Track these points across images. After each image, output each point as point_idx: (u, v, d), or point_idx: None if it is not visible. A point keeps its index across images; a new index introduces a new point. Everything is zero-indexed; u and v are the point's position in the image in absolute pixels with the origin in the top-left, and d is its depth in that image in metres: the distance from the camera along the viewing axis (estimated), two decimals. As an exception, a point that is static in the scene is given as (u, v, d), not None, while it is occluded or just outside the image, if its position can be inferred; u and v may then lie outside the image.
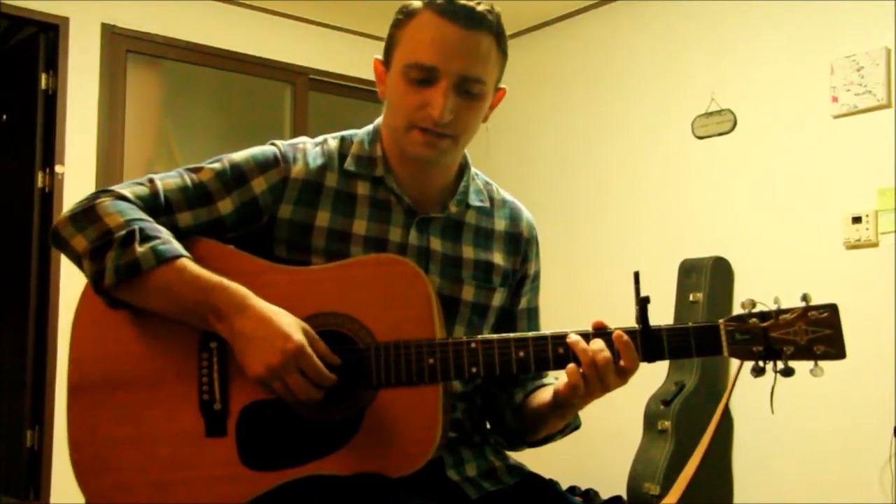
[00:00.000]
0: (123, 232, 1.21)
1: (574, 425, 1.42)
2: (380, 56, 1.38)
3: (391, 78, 1.34)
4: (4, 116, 4.42)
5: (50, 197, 3.96)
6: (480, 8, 1.29)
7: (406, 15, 1.32)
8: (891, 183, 3.28)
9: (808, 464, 3.46)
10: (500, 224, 1.47)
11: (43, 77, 4.02)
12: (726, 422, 3.71)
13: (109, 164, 4.10)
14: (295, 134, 4.68)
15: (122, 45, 4.19)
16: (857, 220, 3.37)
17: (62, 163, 3.97)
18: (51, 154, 3.98)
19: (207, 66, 4.52)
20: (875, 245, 3.33)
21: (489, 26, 1.30)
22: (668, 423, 3.64)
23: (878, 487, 3.23)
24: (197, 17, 4.41)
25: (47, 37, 4.04)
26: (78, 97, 4.02)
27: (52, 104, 4.00)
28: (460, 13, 1.27)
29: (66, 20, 4.01)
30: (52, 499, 3.80)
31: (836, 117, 3.48)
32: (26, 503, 3.88)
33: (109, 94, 4.12)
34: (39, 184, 4.00)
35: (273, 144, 1.38)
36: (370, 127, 1.43)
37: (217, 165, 1.34)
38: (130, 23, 4.20)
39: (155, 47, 4.31)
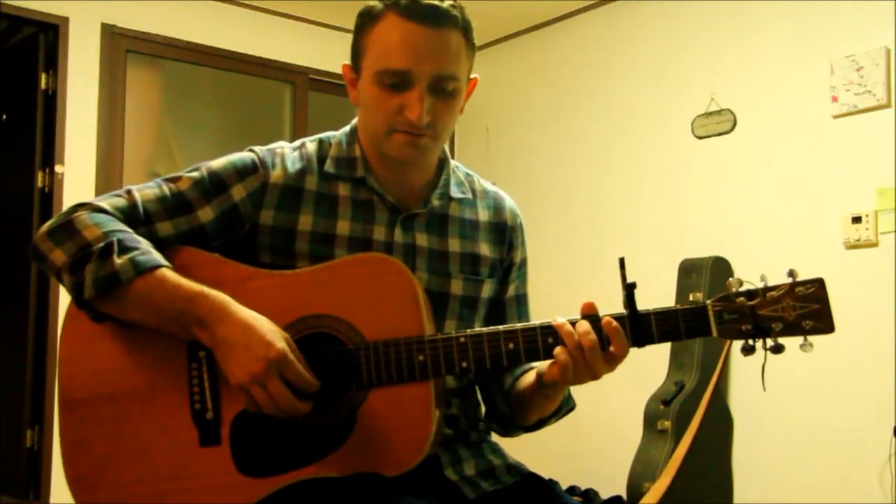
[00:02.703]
0: (102, 244, 1.20)
1: (568, 407, 1.42)
2: (347, 62, 1.37)
3: (364, 84, 1.33)
4: (4, 116, 4.42)
5: (50, 197, 3.96)
6: (444, 5, 1.28)
7: (369, 19, 1.31)
8: (891, 183, 3.28)
9: (808, 464, 3.45)
10: (484, 214, 1.46)
11: (43, 77, 4.02)
12: (725, 422, 3.71)
13: (109, 164, 4.11)
14: (295, 134, 4.69)
15: (122, 45, 4.19)
16: (857, 220, 3.37)
17: (62, 163, 3.97)
18: (51, 154, 3.98)
19: (207, 66, 4.52)
20: (875, 245, 3.33)
21: (455, 22, 1.29)
22: (667, 423, 3.63)
23: (878, 487, 3.23)
24: (197, 17, 4.41)
25: (47, 37, 4.04)
26: (78, 97, 4.02)
27: (52, 104, 4.00)
28: (426, 13, 1.26)
29: (66, 20, 4.01)
30: (52, 499, 3.80)
31: (835, 117, 3.48)
32: (26, 503, 3.88)
33: (109, 94, 4.12)
34: (39, 184, 4.00)
35: (251, 150, 1.37)
36: (347, 128, 1.43)
37: (195, 174, 1.33)
38: (130, 23, 4.20)
39: (155, 47, 4.31)
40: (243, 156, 1.36)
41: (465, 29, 1.32)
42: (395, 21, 1.27)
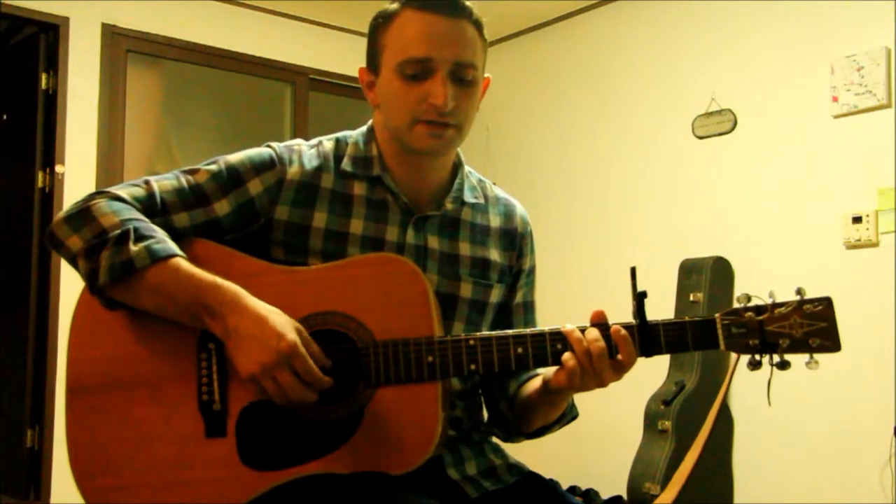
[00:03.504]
0: (118, 231, 1.21)
1: (571, 416, 1.43)
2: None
3: (384, 80, 1.34)
4: (4, 116, 4.42)
5: (50, 197, 3.96)
6: None
7: (386, 18, 1.34)
8: (891, 183, 3.28)
9: (808, 464, 3.46)
10: (496, 221, 1.48)
11: (43, 77, 4.02)
12: (726, 422, 3.71)
13: (109, 164, 4.10)
14: (295, 134, 4.69)
15: (122, 45, 4.19)
16: (857, 220, 3.37)
17: (62, 163, 3.97)
18: (51, 154, 3.98)
19: (207, 66, 4.52)
20: (875, 245, 3.33)
21: (469, 14, 1.33)
22: (668, 423, 3.64)
23: (878, 487, 3.23)
24: (197, 17, 4.41)
25: (47, 37, 4.04)
26: (78, 97, 4.02)
27: (52, 104, 4.00)
28: (441, 4, 1.30)
29: (66, 20, 4.01)
30: (52, 499, 3.80)
31: (836, 117, 3.48)
32: (26, 503, 3.88)
33: (109, 94, 4.12)
34: (39, 184, 4.00)
35: (269, 146, 1.39)
36: (363, 128, 1.44)
37: (213, 167, 1.35)
38: (130, 23, 4.20)
39: (155, 47, 4.31)
40: (261, 151, 1.37)
41: (478, 23, 1.35)
42: (413, 14, 1.31)
